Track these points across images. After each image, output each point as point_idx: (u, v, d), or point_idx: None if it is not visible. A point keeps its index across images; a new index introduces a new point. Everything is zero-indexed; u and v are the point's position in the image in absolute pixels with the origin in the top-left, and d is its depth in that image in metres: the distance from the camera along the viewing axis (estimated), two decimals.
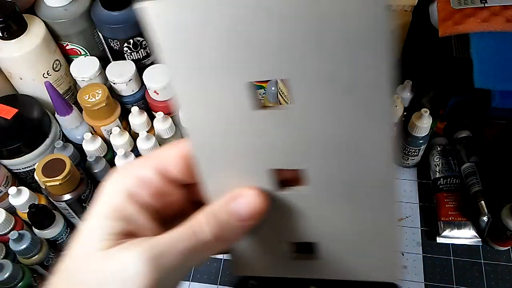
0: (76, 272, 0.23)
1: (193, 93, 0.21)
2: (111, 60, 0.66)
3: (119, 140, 0.59)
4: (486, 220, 0.57)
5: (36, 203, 0.55)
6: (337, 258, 0.26)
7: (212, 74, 0.20)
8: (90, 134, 0.59)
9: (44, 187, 0.56)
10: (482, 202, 0.57)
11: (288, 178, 0.24)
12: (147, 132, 0.60)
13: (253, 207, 0.23)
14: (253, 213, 0.23)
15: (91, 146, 0.59)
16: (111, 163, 0.60)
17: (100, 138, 0.60)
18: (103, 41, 0.64)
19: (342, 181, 0.22)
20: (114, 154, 0.61)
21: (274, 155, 0.22)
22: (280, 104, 0.50)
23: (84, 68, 0.61)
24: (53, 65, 0.61)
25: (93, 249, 0.22)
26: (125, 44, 0.62)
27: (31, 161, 0.58)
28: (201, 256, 0.23)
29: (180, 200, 0.26)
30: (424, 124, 0.59)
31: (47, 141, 0.59)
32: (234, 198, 0.23)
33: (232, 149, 0.23)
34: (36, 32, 0.58)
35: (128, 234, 0.23)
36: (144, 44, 0.63)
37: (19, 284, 0.52)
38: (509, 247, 0.59)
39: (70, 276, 0.23)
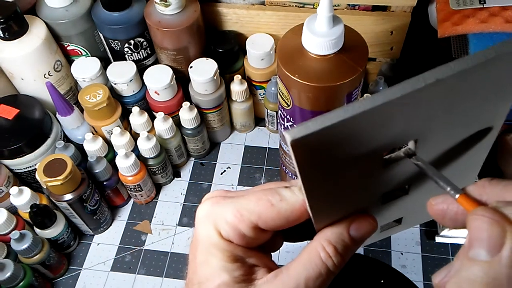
0: None
1: (323, 185, 0.23)
2: (112, 60, 0.66)
3: (120, 140, 0.60)
4: None
5: (38, 203, 0.56)
6: (416, 218, 0.31)
7: (347, 163, 0.22)
8: (91, 134, 0.59)
9: (45, 187, 0.56)
10: None
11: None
12: (148, 132, 0.61)
13: (371, 231, 0.26)
14: (370, 235, 0.27)
15: (92, 146, 0.59)
16: (112, 163, 0.61)
17: (101, 138, 0.60)
18: (104, 42, 0.64)
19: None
20: (115, 154, 0.61)
21: (388, 185, 0.26)
22: (280, 103, 0.50)
23: (85, 68, 0.62)
24: (54, 65, 0.61)
25: None
26: (126, 45, 0.62)
27: (32, 161, 0.58)
28: (327, 285, 0.26)
29: (269, 236, 0.28)
30: None
31: (48, 141, 0.59)
32: (353, 228, 0.26)
33: (351, 196, 0.26)
34: (37, 32, 0.58)
35: (249, 273, 0.26)
36: (145, 45, 0.63)
37: (20, 284, 0.52)
38: None
39: None
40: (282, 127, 0.52)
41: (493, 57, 0.19)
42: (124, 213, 0.66)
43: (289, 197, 0.26)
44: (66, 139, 0.63)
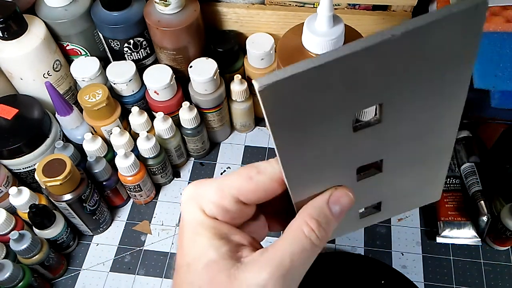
0: None
1: (294, 144, 0.23)
2: (111, 60, 0.66)
3: (119, 140, 0.60)
4: (485, 220, 0.57)
5: (37, 203, 0.55)
6: (396, 206, 0.31)
7: (316, 121, 0.22)
8: (90, 134, 0.59)
9: (44, 187, 0.56)
10: (482, 202, 0.57)
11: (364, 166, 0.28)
12: (147, 132, 0.61)
13: (349, 204, 0.27)
14: (348, 208, 0.27)
15: (92, 146, 0.59)
16: (111, 163, 0.60)
17: (100, 138, 0.60)
18: (103, 42, 0.64)
19: (411, 161, 0.27)
20: (114, 154, 0.61)
21: (360, 157, 0.26)
22: None
23: (85, 68, 0.62)
24: (53, 65, 0.61)
25: (218, 270, 0.25)
26: (125, 44, 0.62)
27: (31, 161, 0.58)
28: (312, 260, 0.26)
29: (252, 212, 0.29)
30: None
31: (48, 141, 0.59)
32: (332, 201, 0.27)
33: (325, 165, 0.26)
34: (36, 32, 0.58)
35: (235, 250, 0.26)
36: (144, 45, 0.63)
37: (20, 284, 0.52)
38: (509, 247, 0.59)
39: None
40: None
41: (449, 15, 0.19)
42: (124, 213, 0.65)
43: (266, 169, 0.27)
44: (65, 139, 0.62)
